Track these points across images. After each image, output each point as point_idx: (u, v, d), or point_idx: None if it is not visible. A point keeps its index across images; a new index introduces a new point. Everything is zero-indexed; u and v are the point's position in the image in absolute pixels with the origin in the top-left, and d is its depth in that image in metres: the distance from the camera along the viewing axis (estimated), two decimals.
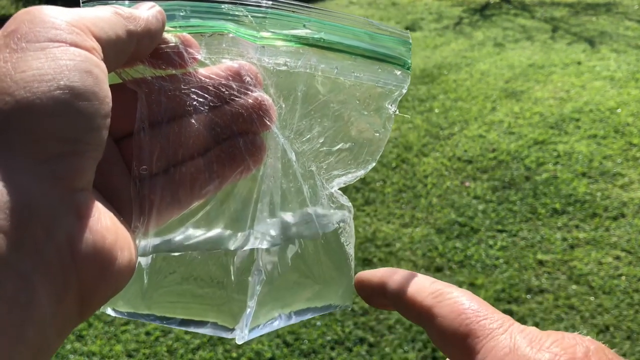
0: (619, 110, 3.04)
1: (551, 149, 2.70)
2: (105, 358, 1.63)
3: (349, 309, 0.41)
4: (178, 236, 0.31)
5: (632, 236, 2.05)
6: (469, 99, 3.39)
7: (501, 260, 1.96)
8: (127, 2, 0.27)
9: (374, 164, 0.34)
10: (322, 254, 0.33)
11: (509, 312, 1.73)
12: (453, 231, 2.13)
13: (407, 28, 5.26)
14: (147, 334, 1.70)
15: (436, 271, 1.93)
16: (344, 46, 0.31)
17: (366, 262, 1.98)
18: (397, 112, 0.34)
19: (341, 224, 0.34)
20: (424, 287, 0.29)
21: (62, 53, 0.22)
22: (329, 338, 1.66)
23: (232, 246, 0.31)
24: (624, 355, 1.57)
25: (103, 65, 0.23)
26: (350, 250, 0.35)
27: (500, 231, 2.12)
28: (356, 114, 0.33)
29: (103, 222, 0.23)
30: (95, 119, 0.22)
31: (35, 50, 0.21)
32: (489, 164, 2.60)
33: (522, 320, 1.70)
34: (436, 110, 3.24)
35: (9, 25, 0.22)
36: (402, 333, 1.67)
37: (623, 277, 1.85)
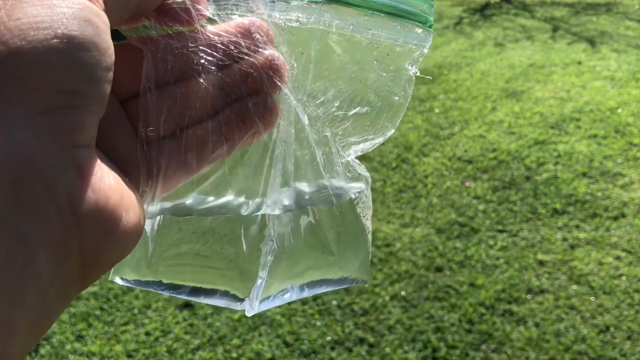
0: (619, 110, 3.04)
1: (551, 149, 2.69)
2: (105, 358, 1.62)
3: (366, 284, 0.40)
4: (188, 201, 0.30)
5: (633, 236, 2.04)
6: (469, 98, 3.38)
7: (501, 261, 1.96)
8: None
9: (393, 131, 0.32)
10: (337, 224, 0.32)
11: (509, 312, 1.73)
12: (453, 231, 2.13)
13: None
14: (147, 334, 1.70)
15: (436, 271, 1.93)
16: (359, 1, 0.29)
17: None
18: (418, 73, 0.31)
19: (357, 195, 0.32)
20: None
21: (59, 1, 0.20)
22: (329, 338, 1.66)
23: (243, 212, 0.30)
24: (624, 355, 1.57)
25: (104, 16, 0.22)
26: (368, 222, 0.34)
27: (501, 231, 2.12)
28: (374, 75, 0.31)
29: (106, 181, 0.22)
30: (96, 71, 0.21)
31: None
32: (489, 164, 2.60)
33: (522, 320, 1.70)
34: (436, 110, 3.24)
35: None
36: (402, 333, 1.67)
37: (623, 277, 1.85)
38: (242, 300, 0.31)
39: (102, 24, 0.21)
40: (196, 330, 1.71)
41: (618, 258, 1.94)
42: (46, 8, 0.20)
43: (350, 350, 1.63)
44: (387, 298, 1.81)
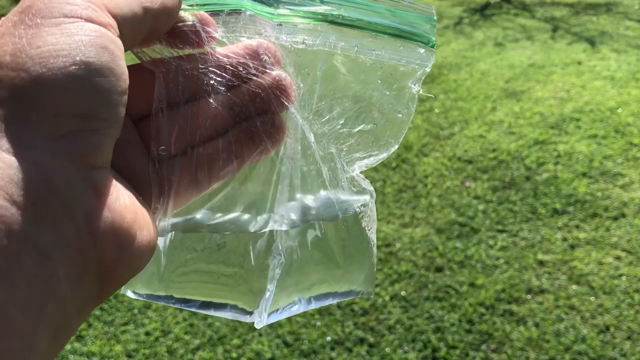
0: (619, 110, 3.04)
1: (551, 149, 2.69)
2: (105, 358, 1.62)
3: (372, 295, 0.41)
4: (198, 216, 0.31)
5: (633, 236, 2.04)
6: (469, 98, 3.38)
7: (501, 261, 1.96)
8: None
9: (396, 146, 0.33)
10: (342, 238, 0.33)
11: (509, 312, 1.73)
12: (453, 231, 2.13)
13: None
14: (147, 334, 1.70)
15: (436, 271, 1.93)
16: (364, 23, 0.30)
17: None
18: (421, 92, 0.32)
19: (362, 208, 0.33)
20: None
21: (77, 28, 0.21)
22: (329, 338, 1.66)
23: (252, 228, 0.31)
24: (624, 355, 1.57)
25: (119, 42, 0.23)
26: (372, 235, 0.34)
27: (501, 231, 2.12)
28: (378, 94, 0.32)
29: (122, 200, 0.23)
30: (112, 95, 0.22)
31: (50, 26, 0.21)
32: (489, 164, 2.60)
33: (522, 320, 1.70)
34: (436, 110, 3.24)
35: (25, 1, 0.22)
36: (402, 333, 1.67)
37: (623, 277, 1.85)
38: (250, 313, 0.32)
39: (118, 49, 0.22)
40: (196, 330, 1.71)
41: (618, 258, 1.94)
42: (65, 36, 0.21)
43: (350, 350, 1.63)
44: (387, 298, 1.81)
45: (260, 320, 0.32)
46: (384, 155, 0.33)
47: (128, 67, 0.24)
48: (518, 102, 3.28)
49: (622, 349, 1.59)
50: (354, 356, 1.61)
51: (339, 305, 1.79)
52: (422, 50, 0.31)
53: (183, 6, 0.27)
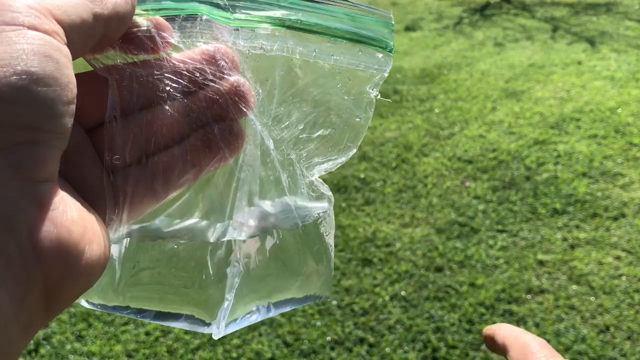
0: (619, 110, 3.04)
1: (551, 149, 2.69)
2: (105, 358, 1.62)
3: (329, 299, 0.41)
4: (153, 225, 0.30)
5: (633, 236, 2.04)
6: (469, 98, 3.38)
7: (501, 260, 1.96)
8: None
9: (355, 150, 0.33)
10: (300, 245, 0.33)
11: (509, 312, 1.73)
12: (453, 231, 2.13)
13: (407, 28, 5.26)
14: (147, 334, 1.70)
15: (436, 271, 1.93)
16: (322, 28, 0.30)
17: (366, 262, 1.98)
18: (379, 96, 0.32)
19: (321, 214, 0.33)
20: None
21: (18, 37, 0.20)
22: (329, 338, 1.66)
23: (210, 237, 0.30)
24: (624, 355, 1.57)
25: (65, 50, 0.22)
26: (330, 240, 0.34)
27: (501, 231, 2.12)
28: (336, 98, 0.31)
29: (69, 214, 0.22)
30: (57, 106, 0.21)
31: None
32: (489, 164, 2.60)
33: (522, 320, 1.70)
34: (436, 110, 3.24)
35: None
36: (402, 333, 1.67)
37: (623, 277, 1.85)
38: (208, 324, 0.31)
39: (63, 57, 0.21)
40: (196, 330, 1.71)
41: (618, 258, 1.94)
42: (5, 45, 0.20)
43: (350, 350, 1.63)
44: (387, 298, 1.81)
45: (219, 331, 0.31)
46: (342, 159, 0.33)
47: (80, 74, 0.23)
48: (518, 102, 3.28)
49: (622, 349, 1.59)
50: (354, 356, 1.61)
51: (339, 305, 1.79)
52: (380, 55, 0.31)
53: (137, 11, 0.26)
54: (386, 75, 0.31)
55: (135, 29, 0.26)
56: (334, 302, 1.80)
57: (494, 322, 1.69)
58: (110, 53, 0.26)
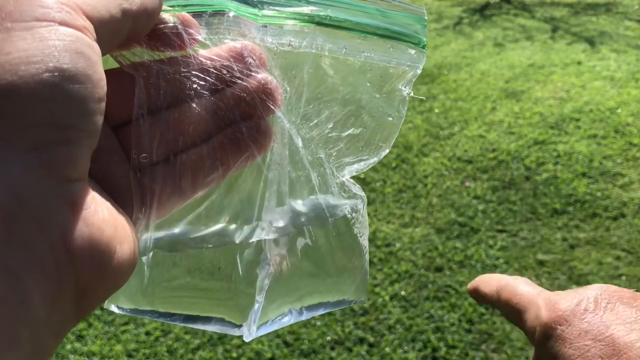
0: (619, 110, 3.04)
1: (551, 149, 2.70)
2: (105, 358, 1.63)
3: (364, 303, 0.39)
4: (181, 230, 0.30)
5: (632, 236, 2.04)
6: (469, 99, 3.39)
7: (501, 260, 1.96)
8: None
9: (387, 151, 0.32)
10: (334, 245, 0.32)
11: None
12: (453, 231, 2.13)
13: None
14: (147, 334, 1.70)
15: (436, 271, 1.93)
16: (352, 24, 0.29)
17: None
18: (412, 94, 0.31)
19: (353, 214, 0.32)
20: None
21: (50, 33, 0.20)
22: (329, 338, 1.66)
23: (237, 239, 0.30)
24: None
25: (96, 46, 0.21)
26: (365, 242, 0.33)
27: (500, 231, 2.12)
28: (367, 97, 0.31)
29: (100, 214, 0.21)
30: (89, 103, 0.21)
31: (21, 30, 0.20)
32: (489, 164, 2.60)
33: None
34: (436, 110, 3.24)
35: None
36: (402, 333, 1.67)
37: (623, 277, 1.85)
38: (239, 326, 0.31)
39: (95, 55, 0.21)
40: (196, 330, 1.71)
41: (618, 258, 1.95)
42: (37, 41, 0.20)
43: (350, 350, 1.63)
44: (387, 298, 1.81)
45: (250, 333, 0.31)
46: (374, 160, 0.32)
47: (106, 71, 0.23)
48: (518, 102, 3.28)
49: None
50: (354, 356, 1.61)
51: None
52: (412, 52, 0.30)
53: (164, 7, 0.26)
54: (419, 72, 0.31)
55: (162, 26, 0.26)
56: None
57: (494, 322, 1.69)
58: (137, 50, 0.26)
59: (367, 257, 0.34)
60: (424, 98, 3.19)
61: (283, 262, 0.31)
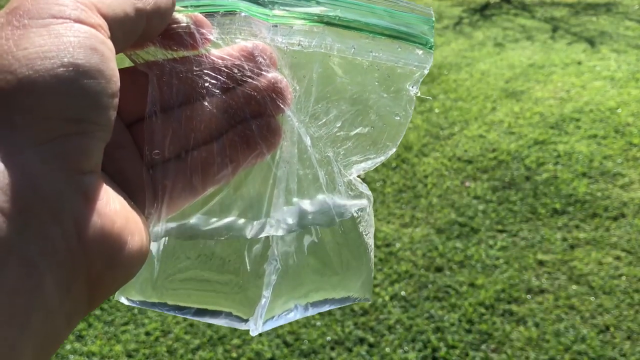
0: (619, 110, 3.04)
1: (551, 149, 2.70)
2: (105, 358, 1.63)
3: (369, 302, 0.39)
4: (192, 222, 0.30)
5: (633, 236, 2.04)
6: (469, 99, 3.38)
7: (501, 260, 1.96)
8: None
9: (394, 150, 0.33)
10: (340, 243, 0.33)
11: (509, 312, 1.73)
12: (453, 231, 2.13)
13: None
14: (147, 334, 1.70)
15: (436, 271, 1.93)
16: (361, 24, 0.29)
17: None
18: (419, 94, 0.32)
19: (360, 213, 0.33)
20: None
21: (65, 30, 0.21)
22: (329, 338, 1.66)
23: (248, 234, 0.30)
24: (624, 355, 1.57)
25: (110, 43, 0.22)
26: (370, 240, 0.34)
27: (501, 231, 2.12)
28: (375, 96, 0.31)
29: (112, 205, 0.22)
30: (102, 98, 0.21)
31: (38, 27, 0.20)
32: (489, 164, 2.60)
33: (522, 320, 1.70)
34: (436, 110, 3.24)
35: (12, 2, 0.22)
36: (402, 333, 1.67)
37: (623, 277, 1.85)
38: (246, 320, 0.31)
39: (108, 51, 0.22)
40: (196, 330, 1.71)
41: (618, 258, 1.95)
42: (53, 37, 0.20)
43: (350, 350, 1.63)
44: (387, 298, 1.81)
45: (256, 327, 0.31)
46: (381, 159, 0.33)
47: (120, 70, 0.23)
48: (518, 102, 3.28)
49: (622, 349, 1.59)
50: (354, 356, 1.61)
51: None
52: (420, 52, 0.31)
53: (177, 7, 0.26)
54: (426, 72, 0.31)
55: (175, 25, 0.26)
56: None
57: (494, 322, 1.69)
58: (151, 49, 0.27)
59: (372, 255, 0.34)
60: (430, 97, 3.19)
61: (290, 259, 0.31)
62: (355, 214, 0.33)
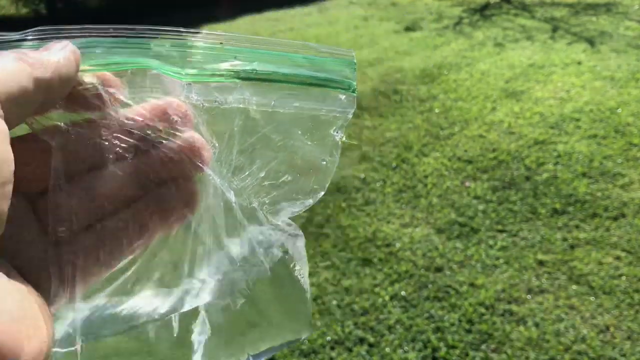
0: (619, 110, 3.04)
1: (551, 149, 2.70)
2: None
3: (310, 334, 0.39)
4: (108, 302, 0.28)
5: (633, 236, 2.04)
6: (469, 98, 3.38)
7: (501, 260, 1.96)
8: (36, 43, 0.24)
9: (322, 193, 0.32)
10: (274, 292, 0.31)
11: (509, 312, 1.73)
12: (453, 231, 2.13)
13: (407, 28, 5.26)
14: None
15: (436, 271, 1.93)
16: (279, 75, 0.28)
17: (366, 262, 1.98)
18: (344, 139, 0.31)
19: (287, 256, 0.32)
20: None
21: None
22: (329, 338, 1.66)
23: (170, 309, 0.29)
24: (624, 355, 1.57)
25: (2, 124, 0.20)
26: (305, 282, 0.33)
27: (501, 231, 2.12)
28: (300, 144, 0.30)
29: (5, 305, 0.19)
30: None
31: None
32: (489, 164, 2.60)
33: (522, 320, 1.70)
34: (436, 110, 3.24)
35: None
36: (402, 333, 1.67)
37: (623, 277, 1.85)
38: None
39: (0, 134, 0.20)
40: None
41: (618, 258, 1.95)
42: None
43: (350, 350, 1.63)
44: (387, 298, 1.81)
45: None
46: (310, 202, 0.32)
47: (21, 137, 0.21)
48: (518, 102, 3.28)
49: (622, 349, 1.59)
50: (354, 356, 1.61)
51: (338, 305, 1.79)
52: (342, 97, 0.30)
53: (84, 67, 0.24)
54: (350, 117, 0.30)
55: (81, 87, 0.24)
56: (334, 302, 1.80)
57: (494, 322, 1.69)
58: (54, 114, 0.24)
59: (309, 295, 0.33)
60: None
61: (220, 319, 0.30)
62: (286, 257, 0.32)
